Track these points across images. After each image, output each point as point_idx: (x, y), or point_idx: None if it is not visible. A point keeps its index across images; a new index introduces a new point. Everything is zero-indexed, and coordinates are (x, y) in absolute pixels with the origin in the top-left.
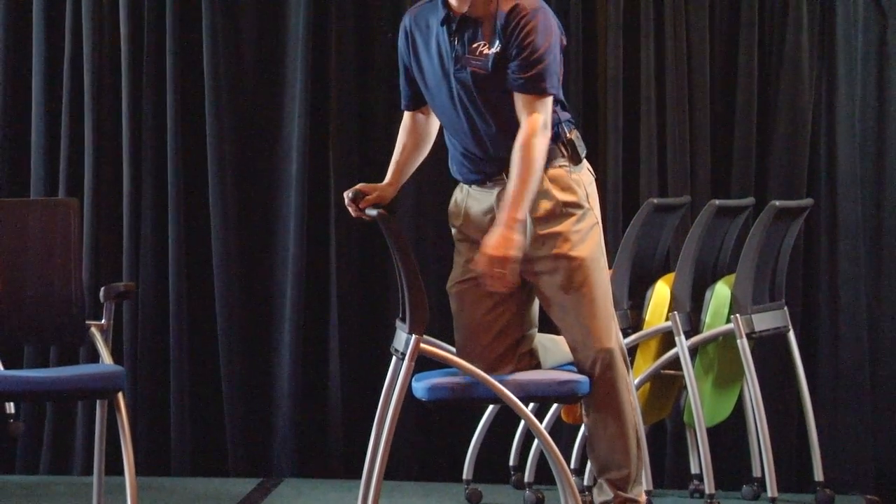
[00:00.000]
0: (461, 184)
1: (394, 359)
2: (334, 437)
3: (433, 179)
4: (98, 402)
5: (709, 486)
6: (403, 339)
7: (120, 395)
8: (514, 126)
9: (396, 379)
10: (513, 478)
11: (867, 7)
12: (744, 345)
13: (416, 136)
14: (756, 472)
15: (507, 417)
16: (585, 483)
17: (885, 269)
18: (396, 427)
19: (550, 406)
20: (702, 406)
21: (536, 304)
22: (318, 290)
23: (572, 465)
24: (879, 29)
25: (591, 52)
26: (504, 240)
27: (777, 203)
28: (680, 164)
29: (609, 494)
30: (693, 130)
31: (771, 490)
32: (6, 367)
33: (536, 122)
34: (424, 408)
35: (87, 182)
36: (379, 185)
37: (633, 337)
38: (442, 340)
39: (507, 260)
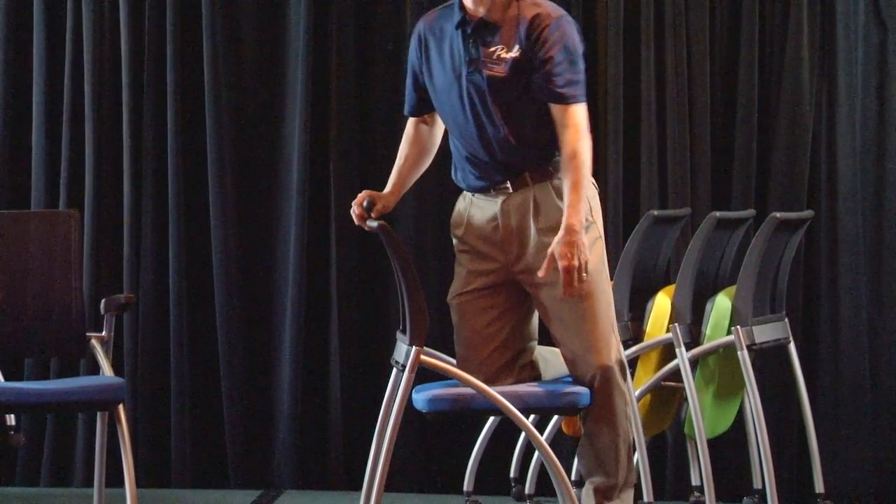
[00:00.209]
0: (464, 192)
1: (394, 370)
2: (335, 449)
3: (434, 188)
4: (98, 413)
5: (709, 498)
6: (404, 350)
7: (120, 406)
8: (523, 130)
9: (397, 391)
10: (513, 490)
11: (867, 19)
12: (744, 356)
13: (419, 145)
14: (757, 484)
15: (508, 429)
16: (573, 478)
17: (885, 280)
18: (397, 438)
19: (551, 418)
20: (702, 418)
21: (536, 316)
22: (319, 302)
23: (573, 478)
24: (880, 41)
25: (591, 65)
26: (572, 246)
27: (778, 215)
28: (680, 176)
29: (593, 502)
30: (693, 142)
31: (772, 502)
32: (6, 378)
33: (578, 128)
34: (425, 419)
35: (87, 194)
36: (381, 193)
37: (633, 349)
38: (442, 352)
39: (581, 264)
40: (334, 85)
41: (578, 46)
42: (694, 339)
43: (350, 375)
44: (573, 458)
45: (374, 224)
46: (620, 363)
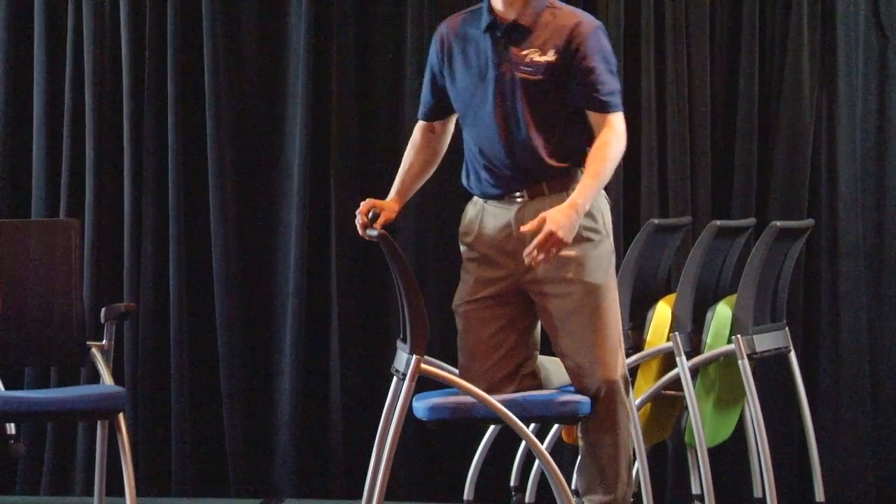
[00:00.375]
0: (475, 199)
1: (394, 379)
2: (335, 458)
3: (434, 194)
4: (99, 422)
5: None
6: (404, 359)
7: (120, 415)
8: (550, 137)
9: (397, 399)
10: (514, 498)
11: (868, 27)
12: (745, 365)
13: (425, 153)
14: (757, 493)
15: (509, 438)
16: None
17: (885, 289)
18: (397, 447)
19: (551, 426)
20: (703, 426)
21: (539, 326)
22: (319, 309)
23: (573, 486)
24: (880, 49)
25: None
26: (568, 220)
27: (778, 223)
28: (681, 184)
29: None
30: (694, 151)
31: None
32: (7, 387)
33: (616, 130)
34: (425, 428)
35: (87, 203)
36: (384, 202)
37: (634, 357)
38: (443, 359)
39: (562, 243)
40: (334, 90)
41: (614, 57)
42: (694, 347)
43: (350, 384)
44: (573, 466)
45: (374, 233)
46: (625, 378)
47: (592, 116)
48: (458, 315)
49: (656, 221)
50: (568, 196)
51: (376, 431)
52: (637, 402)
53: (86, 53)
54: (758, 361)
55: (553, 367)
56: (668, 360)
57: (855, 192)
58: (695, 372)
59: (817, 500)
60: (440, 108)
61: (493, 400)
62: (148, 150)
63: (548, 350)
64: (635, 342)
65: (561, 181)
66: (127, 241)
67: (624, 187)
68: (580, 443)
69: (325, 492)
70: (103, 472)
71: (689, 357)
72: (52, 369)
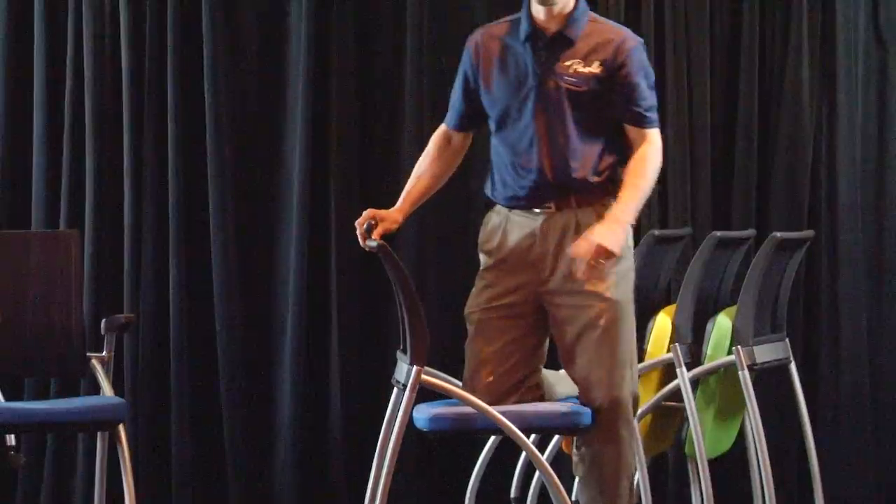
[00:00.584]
0: (498, 208)
1: (395, 390)
2: (336, 469)
3: (435, 202)
4: (99, 434)
5: None
6: (405, 370)
7: (121, 427)
8: (587, 147)
9: (398, 411)
10: None
11: (867, 37)
12: (745, 376)
13: (438, 165)
14: None
15: (509, 448)
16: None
17: (886, 300)
18: (398, 458)
19: (552, 438)
20: (703, 437)
21: (547, 342)
22: (319, 321)
23: (573, 497)
24: (880, 60)
25: None
26: (615, 235)
27: (778, 235)
28: (681, 195)
29: None
30: (694, 162)
31: None
32: (7, 398)
33: (655, 145)
34: (425, 439)
35: (87, 214)
36: (387, 212)
37: None
38: (443, 369)
39: (612, 255)
40: (335, 102)
41: (653, 73)
42: (694, 358)
43: (351, 395)
44: (574, 477)
45: (373, 244)
46: (634, 395)
47: (631, 130)
48: (471, 322)
49: (656, 232)
50: (595, 210)
51: (377, 443)
52: (637, 413)
53: (86, 64)
54: (758, 372)
55: (555, 380)
56: (668, 371)
57: (855, 203)
58: (695, 383)
59: None
60: (470, 117)
61: (493, 411)
62: (148, 160)
63: (552, 364)
64: None
65: (590, 195)
66: (127, 252)
67: None
68: (574, 456)
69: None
70: (103, 483)
71: (689, 368)
72: (51, 380)
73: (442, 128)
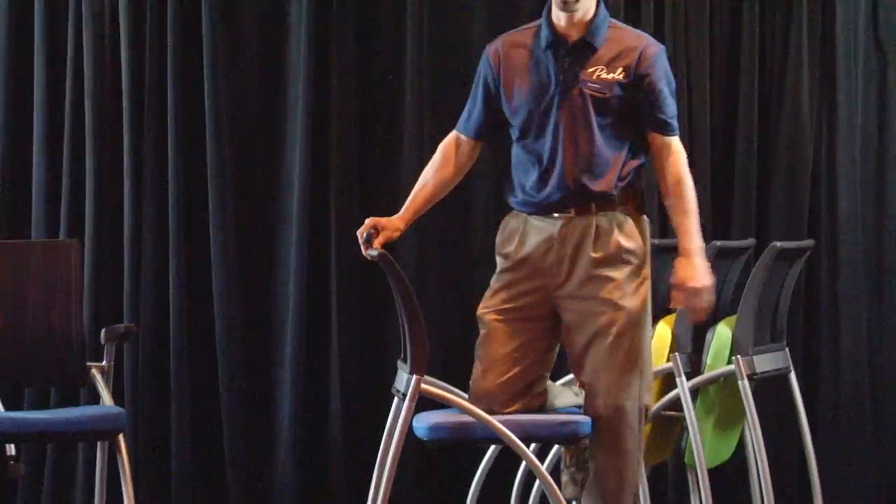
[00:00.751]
0: (515, 212)
1: (395, 399)
2: (336, 478)
3: (437, 208)
4: (99, 443)
5: None
6: (405, 379)
7: (121, 436)
8: (612, 154)
9: (398, 420)
10: None
11: (867, 44)
12: (745, 386)
13: (444, 172)
14: None
15: (509, 458)
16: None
17: (886, 310)
18: (398, 467)
19: (552, 447)
20: (703, 447)
21: (557, 349)
22: (319, 321)
23: None
24: (880, 68)
25: None
26: (700, 270)
27: (778, 244)
28: None
29: None
30: (693, 172)
31: None
32: (7, 408)
33: (682, 156)
34: (426, 448)
35: (87, 223)
36: (389, 220)
37: None
38: (444, 377)
39: (707, 289)
40: (335, 102)
41: (674, 79)
42: (694, 368)
43: (351, 404)
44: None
45: (374, 253)
46: (643, 407)
47: (655, 138)
48: (483, 323)
49: (656, 242)
50: (615, 216)
51: (377, 443)
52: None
53: (86, 64)
54: (758, 382)
55: (556, 390)
56: (668, 380)
57: (855, 212)
58: (695, 393)
59: None
60: (488, 125)
61: (493, 420)
62: (148, 160)
63: (556, 372)
64: None
65: (610, 201)
66: (127, 252)
67: None
68: (564, 475)
69: None
70: (103, 493)
71: (689, 378)
72: (51, 390)
73: (452, 135)
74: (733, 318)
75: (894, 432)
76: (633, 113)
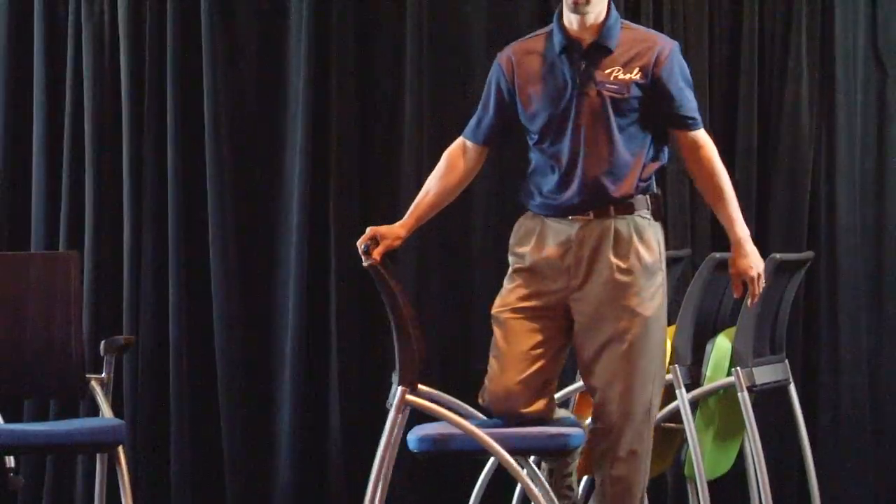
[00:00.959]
0: (530, 214)
1: (391, 413)
2: (335, 490)
3: (436, 217)
4: (98, 455)
5: None
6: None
7: (120, 448)
8: (630, 155)
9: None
10: None
11: (867, 61)
12: (745, 398)
13: (448, 179)
14: None
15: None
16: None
17: (885, 322)
18: (398, 481)
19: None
20: (702, 459)
21: (567, 351)
22: (319, 321)
23: None
24: (879, 83)
25: None
26: (754, 257)
27: (777, 256)
28: (680, 217)
29: None
30: (692, 183)
31: None
32: (6, 420)
33: (710, 147)
34: (419, 460)
35: (87, 235)
36: (390, 229)
37: None
38: (444, 383)
39: (762, 276)
40: (335, 102)
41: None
42: (694, 380)
43: (351, 406)
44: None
45: (366, 263)
46: (654, 415)
47: (680, 136)
48: (499, 322)
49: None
50: (633, 220)
51: (376, 444)
52: None
53: (85, 64)
54: (757, 394)
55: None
56: (667, 392)
57: (854, 224)
58: (694, 404)
59: None
60: (500, 131)
61: (479, 432)
62: (147, 182)
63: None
64: None
65: (628, 204)
66: (126, 273)
67: None
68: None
69: None
70: None
71: (688, 389)
72: (51, 402)
73: (458, 142)
74: (733, 330)
75: (894, 443)
76: (651, 113)
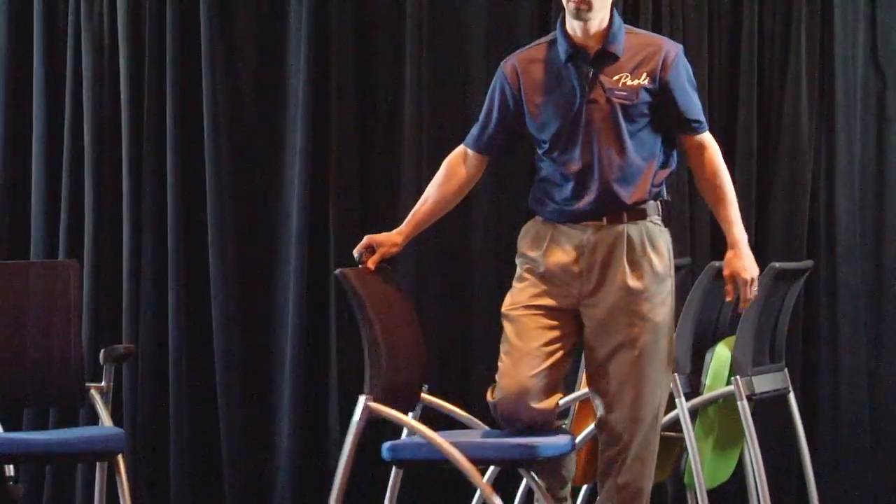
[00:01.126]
0: (539, 219)
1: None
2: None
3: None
4: (98, 464)
5: None
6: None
7: (119, 457)
8: (642, 160)
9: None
10: None
11: (866, 70)
12: (744, 407)
13: (446, 188)
14: None
15: (509, 477)
16: None
17: (885, 331)
18: (398, 490)
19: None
20: (702, 468)
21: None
22: (319, 321)
23: None
24: (879, 92)
25: None
26: (748, 261)
27: (777, 265)
28: (680, 225)
29: None
30: (692, 192)
31: None
32: (5, 429)
33: (715, 149)
34: (422, 475)
35: (86, 235)
36: (387, 237)
37: None
38: (443, 388)
39: (756, 280)
40: (335, 102)
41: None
42: (693, 389)
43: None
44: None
45: (336, 271)
46: (661, 421)
47: (686, 140)
48: (510, 319)
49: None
50: (645, 226)
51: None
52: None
53: (84, 64)
54: (757, 403)
55: None
56: (667, 401)
57: (854, 233)
58: (694, 413)
59: None
60: (501, 141)
61: (444, 443)
62: (146, 191)
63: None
64: None
65: (640, 209)
66: (126, 274)
67: None
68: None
69: None
70: None
71: (688, 398)
72: (50, 410)
73: (459, 150)
74: (732, 339)
75: (893, 452)
76: (660, 117)
